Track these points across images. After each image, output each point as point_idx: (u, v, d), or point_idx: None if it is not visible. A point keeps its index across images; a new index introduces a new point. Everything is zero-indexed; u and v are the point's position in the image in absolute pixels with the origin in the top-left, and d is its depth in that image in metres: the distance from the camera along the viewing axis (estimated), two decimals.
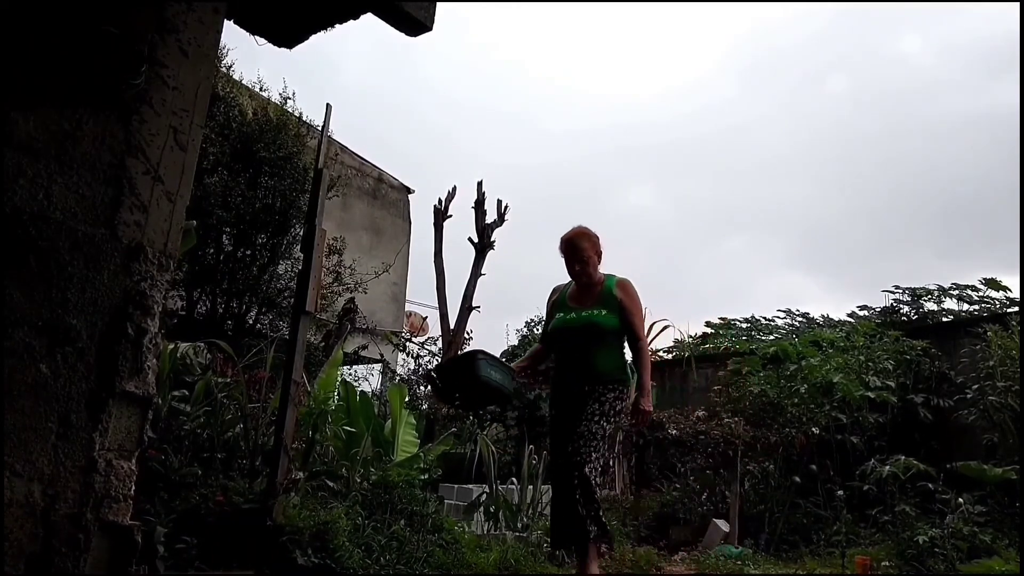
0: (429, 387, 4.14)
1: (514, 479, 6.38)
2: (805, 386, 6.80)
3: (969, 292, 8.52)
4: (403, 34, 2.39)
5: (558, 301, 3.69)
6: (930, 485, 5.51)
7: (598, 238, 3.64)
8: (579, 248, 3.56)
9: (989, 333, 6.42)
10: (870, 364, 6.95)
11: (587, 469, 3.27)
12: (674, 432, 6.83)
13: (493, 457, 6.26)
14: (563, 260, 3.61)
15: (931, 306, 8.62)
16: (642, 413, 3.36)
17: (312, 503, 3.76)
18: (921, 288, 8.68)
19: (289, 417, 3.50)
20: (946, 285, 8.63)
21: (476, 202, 11.91)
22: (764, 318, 11.88)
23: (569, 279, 3.72)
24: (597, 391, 3.40)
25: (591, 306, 3.50)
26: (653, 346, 9.96)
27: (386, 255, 12.32)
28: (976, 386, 6.32)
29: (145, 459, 3.05)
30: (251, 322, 7.66)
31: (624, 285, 3.56)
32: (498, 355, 10.07)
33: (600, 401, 3.37)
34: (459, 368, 3.46)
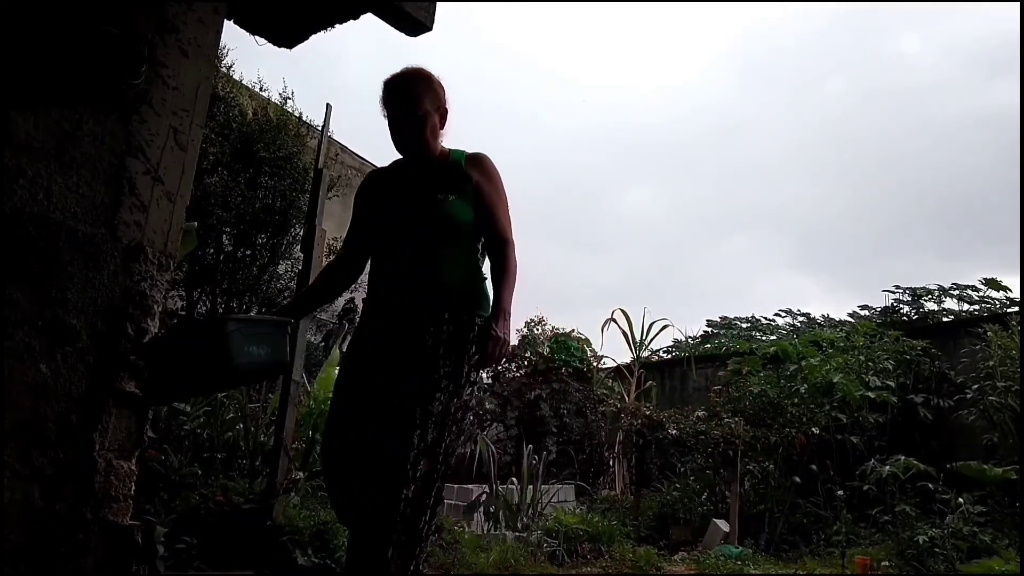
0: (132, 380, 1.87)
1: (514, 479, 6.39)
2: (805, 386, 6.80)
3: (969, 292, 8.53)
4: (403, 34, 2.40)
5: (377, 188, 2.36)
6: (930, 485, 5.51)
7: (443, 88, 2.31)
8: (411, 96, 2.22)
9: (989, 333, 6.42)
10: (870, 364, 6.94)
11: (433, 476, 2.05)
12: (674, 432, 6.83)
13: (493, 457, 6.27)
14: (386, 119, 2.26)
15: (931, 306, 8.63)
16: (494, 342, 2.12)
17: (312, 503, 3.76)
18: (921, 288, 8.69)
19: (289, 417, 3.50)
20: (946, 285, 8.65)
21: None
22: (764, 318, 11.90)
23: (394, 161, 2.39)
24: (447, 328, 2.13)
25: (433, 190, 2.23)
26: (653, 346, 9.91)
27: None
28: (976, 386, 6.32)
29: (145, 459, 3.05)
30: None
31: (480, 160, 2.31)
32: None
33: (457, 350, 2.13)
34: (197, 348, 1.90)
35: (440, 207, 2.21)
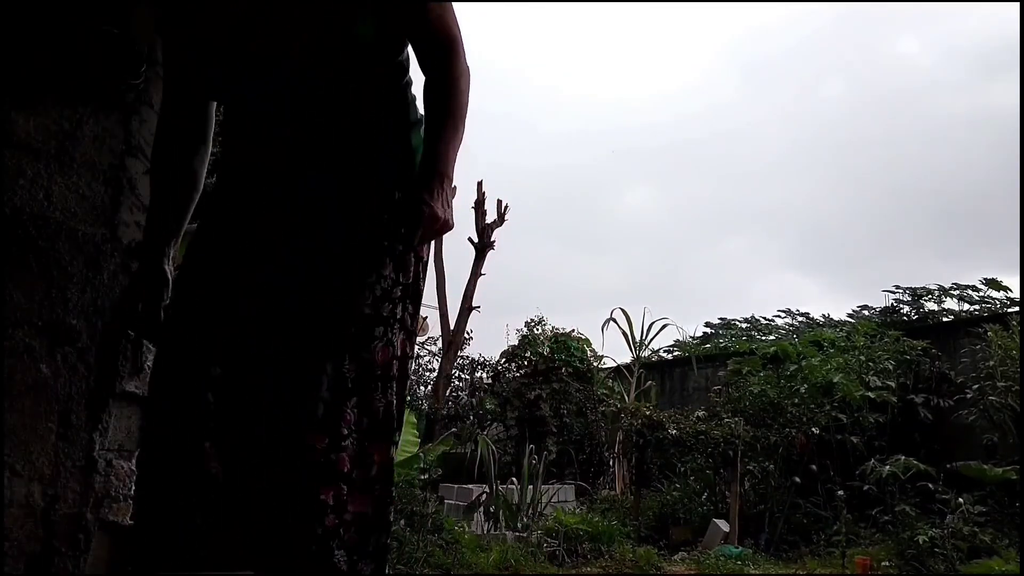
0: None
1: (514, 479, 6.39)
2: (805, 386, 6.81)
3: (970, 292, 8.54)
4: None
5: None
6: (930, 485, 5.51)
7: None
8: None
9: (989, 333, 6.42)
10: (870, 364, 6.95)
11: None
12: (674, 432, 6.83)
13: (493, 457, 6.27)
14: None
15: (931, 306, 8.64)
16: (425, 221, 1.27)
17: None
18: (921, 288, 8.70)
19: None
20: (947, 285, 8.66)
21: (476, 202, 11.91)
22: (764, 318, 11.91)
23: None
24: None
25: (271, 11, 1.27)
26: (653, 346, 9.88)
27: None
28: (976, 386, 6.32)
29: None
30: None
31: None
32: (498, 354, 9.93)
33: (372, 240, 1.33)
34: None
35: (318, 26, 1.25)
